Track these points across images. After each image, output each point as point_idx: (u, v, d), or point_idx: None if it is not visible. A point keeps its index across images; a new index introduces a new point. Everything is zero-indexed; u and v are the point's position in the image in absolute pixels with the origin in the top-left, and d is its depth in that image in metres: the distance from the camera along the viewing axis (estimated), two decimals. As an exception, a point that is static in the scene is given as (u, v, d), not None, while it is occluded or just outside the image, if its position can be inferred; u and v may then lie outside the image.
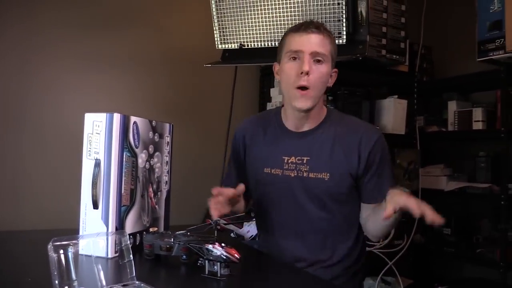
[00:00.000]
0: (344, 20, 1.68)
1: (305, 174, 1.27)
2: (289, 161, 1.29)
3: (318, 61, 1.21)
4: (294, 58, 1.22)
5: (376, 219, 1.23)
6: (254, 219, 1.29)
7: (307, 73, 1.19)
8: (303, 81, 1.20)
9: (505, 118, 2.14)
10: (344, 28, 1.69)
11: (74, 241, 0.76)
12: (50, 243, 0.73)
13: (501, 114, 2.21)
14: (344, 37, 1.70)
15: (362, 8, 1.83)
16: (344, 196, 1.28)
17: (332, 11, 1.68)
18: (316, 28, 1.22)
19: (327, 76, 1.26)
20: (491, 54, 2.04)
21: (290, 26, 1.72)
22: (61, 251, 0.74)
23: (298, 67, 1.21)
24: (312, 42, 1.21)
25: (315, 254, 1.28)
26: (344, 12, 1.68)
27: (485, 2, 2.05)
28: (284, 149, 1.31)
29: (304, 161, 1.28)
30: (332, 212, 1.28)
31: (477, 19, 2.10)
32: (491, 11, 2.03)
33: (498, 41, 2.00)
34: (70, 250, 0.76)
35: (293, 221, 1.30)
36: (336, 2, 1.67)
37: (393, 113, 2.30)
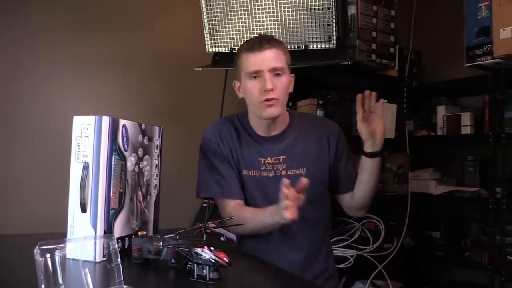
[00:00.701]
0: (334, 25, 1.70)
1: (283, 173, 1.33)
2: (266, 162, 1.35)
3: (278, 74, 1.29)
4: (255, 77, 1.29)
5: (361, 182, 1.40)
6: (243, 223, 1.28)
7: (271, 90, 1.27)
8: (268, 95, 1.28)
9: (492, 123, 2.17)
10: (334, 33, 1.70)
11: (61, 245, 0.76)
12: (37, 247, 0.72)
13: (489, 118, 2.24)
14: (334, 41, 1.71)
15: (351, 13, 1.84)
16: (319, 193, 1.37)
17: (322, 15, 1.69)
18: (268, 43, 1.28)
19: (288, 84, 1.34)
20: (479, 59, 2.06)
21: (280, 30, 1.73)
22: (48, 255, 0.73)
23: (261, 85, 1.27)
24: (268, 59, 1.27)
25: (295, 257, 1.34)
26: (334, 16, 1.69)
27: (473, 9, 2.08)
28: (259, 152, 1.37)
29: (281, 160, 1.34)
30: (308, 208, 1.29)
31: (465, 25, 2.13)
32: (478, 17, 2.06)
33: (485, 47, 2.02)
34: (57, 254, 0.75)
35: None
36: (326, 6, 1.68)
37: (382, 117, 2.31)
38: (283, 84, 1.30)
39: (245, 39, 1.82)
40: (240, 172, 1.38)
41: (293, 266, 1.29)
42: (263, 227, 1.28)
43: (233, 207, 1.36)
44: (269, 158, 1.35)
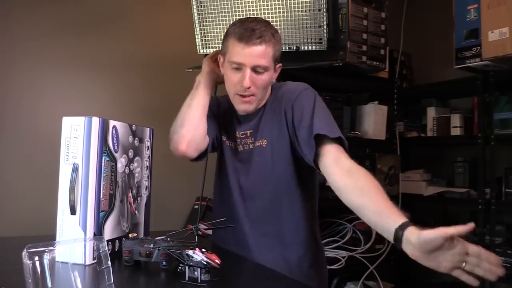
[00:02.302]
0: (324, 26, 1.70)
1: (251, 146, 1.32)
2: (239, 136, 1.35)
3: (259, 72, 1.23)
4: (236, 68, 1.24)
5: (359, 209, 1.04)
6: (234, 225, 1.28)
7: (249, 87, 1.23)
8: (244, 92, 1.24)
9: (481, 124, 2.19)
10: (325, 34, 1.70)
11: (50, 248, 0.74)
12: (25, 250, 0.71)
13: (478, 120, 2.26)
14: (325, 43, 1.71)
15: (342, 14, 1.85)
16: (283, 168, 1.28)
17: (313, 17, 1.69)
18: (259, 38, 1.20)
19: (269, 80, 1.28)
20: (468, 61, 2.08)
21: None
22: (36, 258, 0.72)
23: (240, 78, 1.23)
24: (254, 55, 1.21)
25: (261, 228, 1.30)
26: (325, 18, 1.69)
27: (462, 11, 2.10)
28: (237, 126, 1.36)
29: (248, 134, 1.33)
30: (279, 187, 1.29)
31: (454, 27, 2.15)
32: (467, 19, 2.08)
33: (474, 49, 2.05)
34: (46, 257, 0.74)
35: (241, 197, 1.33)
36: (317, 8, 1.68)
37: (373, 118, 2.33)
38: (263, 82, 1.25)
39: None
40: (220, 137, 1.39)
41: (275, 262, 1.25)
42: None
43: None
44: (241, 132, 1.35)
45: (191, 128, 1.28)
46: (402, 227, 0.91)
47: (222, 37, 1.33)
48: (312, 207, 1.36)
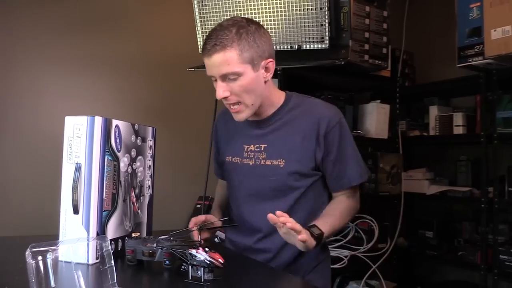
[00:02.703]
0: (326, 25, 1.69)
1: (262, 162, 1.26)
2: (249, 150, 1.29)
3: (233, 79, 1.16)
4: (215, 80, 1.19)
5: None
6: (237, 224, 1.28)
7: (225, 97, 1.18)
8: (226, 101, 1.20)
9: (484, 123, 2.18)
10: (327, 33, 1.70)
11: (53, 247, 0.74)
12: (28, 249, 0.71)
13: (480, 118, 2.25)
14: (327, 41, 1.71)
15: (344, 13, 1.84)
16: (303, 187, 1.25)
17: (315, 16, 1.69)
18: (214, 47, 1.13)
19: (252, 82, 1.18)
20: (470, 60, 2.08)
21: (273, 30, 1.73)
22: (40, 258, 0.72)
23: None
24: (216, 65, 1.14)
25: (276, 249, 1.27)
26: (326, 17, 1.69)
27: (465, 10, 2.10)
28: (244, 139, 1.31)
29: (262, 149, 1.27)
30: (293, 205, 1.25)
31: (457, 26, 2.14)
32: (470, 18, 2.08)
33: (477, 48, 2.04)
34: (49, 257, 0.74)
35: (251, 212, 1.30)
36: (319, 7, 1.68)
37: (375, 117, 2.33)
38: (240, 88, 1.16)
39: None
40: (224, 158, 1.36)
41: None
42: None
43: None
44: (251, 146, 1.29)
45: None
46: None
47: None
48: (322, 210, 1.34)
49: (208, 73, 1.18)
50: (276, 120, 1.27)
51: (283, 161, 1.23)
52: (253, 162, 1.28)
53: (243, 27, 1.16)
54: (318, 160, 1.24)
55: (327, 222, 1.19)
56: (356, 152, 1.29)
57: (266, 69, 1.21)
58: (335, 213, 1.25)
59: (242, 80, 1.16)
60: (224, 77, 1.16)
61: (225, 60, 1.13)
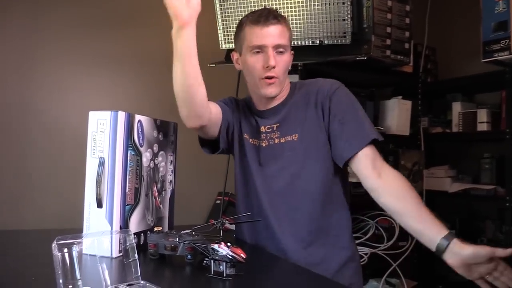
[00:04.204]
0: (349, 20, 1.68)
1: (276, 141, 1.28)
2: (262, 131, 1.31)
3: (281, 52, 1.23)
4: (258, 52, 1.23)
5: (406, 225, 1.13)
6: (259, 220, 1.27)
7: (273, 67, 1.22)
8: (270, 73, 1.22)
9: (509, 119, 2.12)
10: (349, 28, 1.69)
11: (78, 240, 0.75)
12: (55, 242, 0.72)
13: (506, 115, 2.20)
14: (349, 37, 1.69)
15: (367, 8, 1.82)
16: (314, 161, 1.24)
17: (337, 10, 1.67)
18: (275, 19, 1.22)
19: (290, 61, 1.28)
20: (496, 55, 2.02)
21: (294, 25, 1.72)
22: (66, 250, 0.73)
23: (263, 60, 1.22)
24: (273, 35, 1.21)
25: (289, 227, 1.24)
26: (349, 11, 1.67)
27: (490, 3, 2.04)
28: (259, 122, 1.33)
29: (274, 128, 1.29)
30: (311, 182, 1.23)
31: (481, 19, 2.09)
32: (496, 11, 2.02)
33: (503, 42, 1.99)
34: (75, 249, 0.74)
35: (267, 192, 1.28)
36: (341, 1, 1.66)
37: (397, 114, 2.29)
38: (285, 63, 1.25)
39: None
40: (241, 136, 1.35)
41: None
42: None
43: None
44: (264, 127, 1.31)
45: (179, 85, 1.18)
46: (447, 238, 1.02)
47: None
48: (346, 204, 1.31)
49: (258, 42, 1.21)
50: (287, 103, 1.31)
51: (296, 135, 1.26)
52: (266, 144, 1.29)
53: (285, 16, 1.28)
54: (326, 128, 1.24)
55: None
56: (364, 115, 1.25)
57: (290, 60, 1.29)
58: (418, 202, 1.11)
59: (286, 56, 1.25)
60: (277, 48, 1.22)
61: (283, 32, 1.23)
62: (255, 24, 1.22)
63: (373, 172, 1.15)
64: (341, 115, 1.22)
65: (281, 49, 1.23)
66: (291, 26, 1.59)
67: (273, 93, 1.26)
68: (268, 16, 1.22)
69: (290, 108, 1.30)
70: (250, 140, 1.33)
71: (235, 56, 1.34)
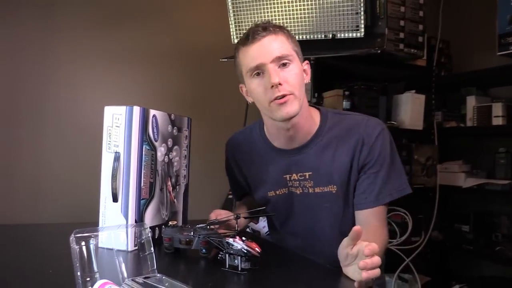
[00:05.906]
0: (362, 13, 1.66)
1: (310, 190, 1.17)
2: (292, 179, 1.19)
3: (284, 64, 1.07)
4: (258, 74, 1.08)
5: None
6: (273, 214, 1.27)
7: (279, 84, 1.05)
8: (277, 92, 1.06)
9: (526, 113, 2.10)
10: (362, 21, 1.67)
11: (95, 233, 0.76)
12: (72, 235, 0.73)
13: (522, 109, 2.17)
14: (362, 30, 1.68)
15: (380, 1, 1.80)
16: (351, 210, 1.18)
17: (350, 4, 1.66)
18: (265, 30, 1.07)
19: (301, 73, 1.12)
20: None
21: (307, 19, 1.71)
22: (83, 243, 0.74)
23: (266, 81, 1.06)
24: (268, 48, 1.06)
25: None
26: (362, 5, 1.65)
27: (506, -5, 2.01)
28: (283, 169, 1.20)
29: (307, 177, 1.17)
30: (347, 220, 1.18)
31: (497, 12, 2.06)
32: (512, 3, 1.99)
33: (519, 35, 1.95)
34: (92, 242, 0.75)
35: (308, 234, 1.23)
36: (354, -6, 1.64)
37: (410, 108, 2.27)
38: (295, 75, 1.07)
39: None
40: (265, 194, 1.25)
41: None
42: None
43: None
44: (294, 175, 1.18)
45: None
46: None
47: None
48: None
49: (254, 62, 1.07)
50: (318, 141, 1.17)
51: (334, 187, 1.15)
52: (301, 191, 1.18)
53: (279, 25, 1.14)
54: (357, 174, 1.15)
55: None
56: (399, 168, 1.17)
57: (305, 71, 1.15)
58: None
59: (293, 67, 1.09)
60: (277, 61, 1.07)
61: (278, 41, 1.07)
62: (244, 44, 1.09)
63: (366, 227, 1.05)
64: (375, 169, 1.13)
65: (284, 61, 1.07)
66: (303, 19, 1.57)
67: (290, 112, 1.07)
68: (255, 30, 1.08)
69: (322, 152, 1.15)
70: (278, 192, 1.22)
71: (243, 89, 1.19)
